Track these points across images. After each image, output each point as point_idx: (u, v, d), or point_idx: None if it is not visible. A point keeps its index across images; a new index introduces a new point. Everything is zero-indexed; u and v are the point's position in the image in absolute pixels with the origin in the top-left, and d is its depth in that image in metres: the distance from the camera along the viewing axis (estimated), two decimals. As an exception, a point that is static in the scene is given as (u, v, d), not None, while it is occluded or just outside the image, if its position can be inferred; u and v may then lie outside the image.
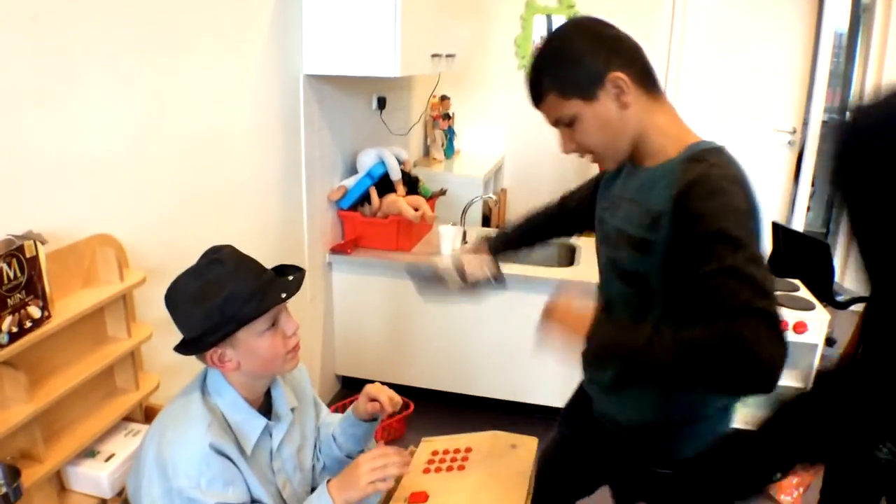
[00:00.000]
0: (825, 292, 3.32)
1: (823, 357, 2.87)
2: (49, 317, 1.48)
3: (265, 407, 1.50)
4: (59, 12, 1.55)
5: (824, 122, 4.53)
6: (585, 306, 1.25)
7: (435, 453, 1.64)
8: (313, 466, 1.65)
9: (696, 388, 1.30)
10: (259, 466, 1.44)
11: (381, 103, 3.39)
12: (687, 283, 1.12)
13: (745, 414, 2.96)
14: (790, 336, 2.80)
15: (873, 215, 0.93)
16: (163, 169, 1.94)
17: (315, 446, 1.67)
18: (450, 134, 4.38)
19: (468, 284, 1.66)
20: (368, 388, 1.63)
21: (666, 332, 1.09)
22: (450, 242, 3.13)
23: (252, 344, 1.34)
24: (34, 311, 1.44)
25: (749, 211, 1.11)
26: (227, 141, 2.24)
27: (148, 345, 1.79)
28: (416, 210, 3.06)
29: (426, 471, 1.57)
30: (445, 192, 3.55)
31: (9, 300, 1.37)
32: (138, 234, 1.84)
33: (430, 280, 1.68)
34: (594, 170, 1.83)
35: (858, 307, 3.59)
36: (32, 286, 1.43)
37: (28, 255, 1.41)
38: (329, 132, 2.93)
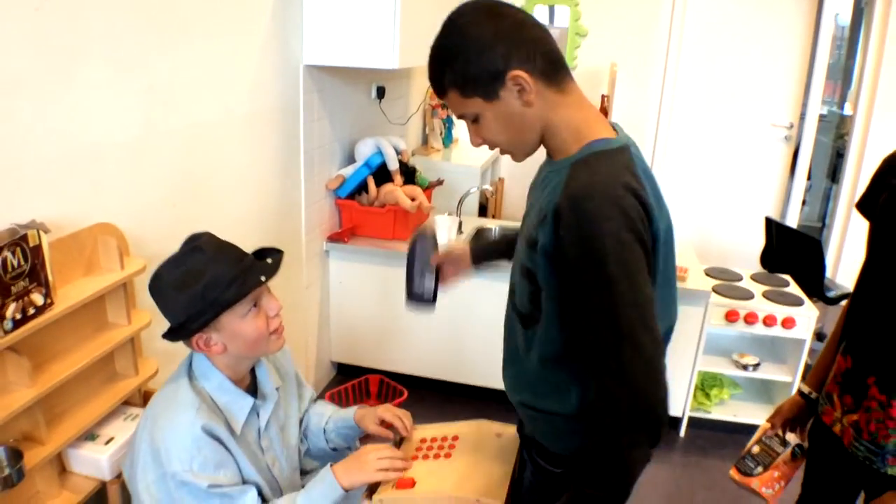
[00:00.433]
0: (816, 288, 3.36)
1: (812, 352, 2.92)
2: (51, 304, 1.52)
3: (251, 387, 1.55)
4: (61, 2, 1.58)
5: (822, 117, 4.55)
6: None
7: (423, 441, 1.68)
8: (298, 446, 1.70)
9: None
10: (248, 446, 1.49)
11: (381, 93, 3.42)
12: (564, 298, 1.13)
13: (737, 406, 3.03)
14: (777, 332, 2.85)
15: None
16: (163, 158, 1.97)
17: (300, 426, 1.72)
18: (448, 123, 4.40)
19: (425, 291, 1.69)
20: (382, 413, 1.67)
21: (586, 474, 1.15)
22: (445, 232, 3.17)
23: (235, 327, 1.38)
24: (37, 299, 1.48)
25: (621, 234, 1.03)
26: (226, 130, 2.27)
27: (147, 331, 1.83)
28: (413, 200, 3.09)
29: (414, 458, 1.62)
30: (442, 182, 3.58)
31: (12, 288, 1.41)
32: (139, 223, 1.88)
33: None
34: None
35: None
36: (35, 274, 1.47)
37: (31, 244, 1.45)
38: (328, 121, 2.96)
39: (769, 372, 2.96)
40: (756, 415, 2.98)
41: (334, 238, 3.13)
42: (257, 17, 2.36)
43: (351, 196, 3.17)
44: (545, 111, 1.16)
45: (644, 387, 1.06)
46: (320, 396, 3.06)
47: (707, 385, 3.09)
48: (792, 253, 3.49)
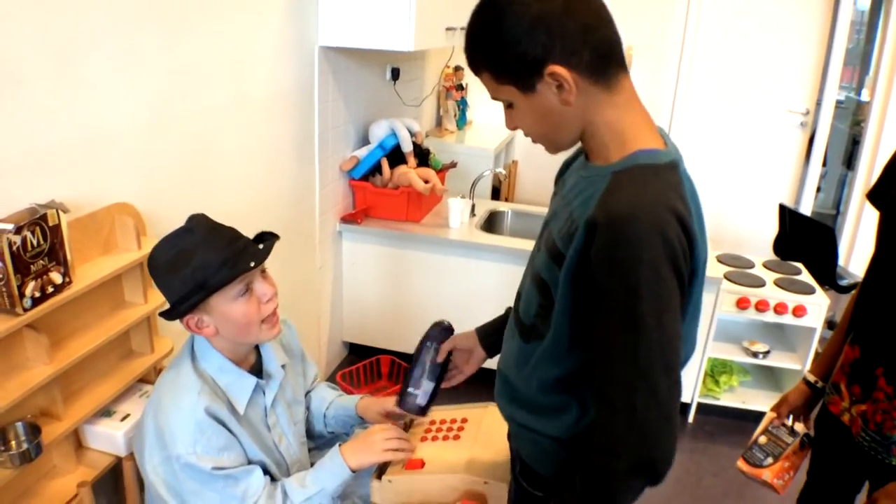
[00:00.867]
0: (828, 276, 3.35)
1: (823, 340, 2.92)
2: (70, 282, 1.55)
3: (257, 366, 1.57)
4: (81, -14, 1.59)
5: (839, 103, 4.50)
6: None
7: (432, 422, 1.71)
8: (305, 421, 1.73)
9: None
10: (253, 425, 1.51)
11: (395, 74, 3.41)
12: (582, 320, 1.06)
13: (745, 393, 3.04)
14: (788, 319, 2.84)
15: None
16: (179, 140, 1.99)
17: (304, 404, 1.75)
18: (462, 105, 4.40)
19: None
20: (390, 407, 1.67)
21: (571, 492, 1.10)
22: (458, 215, 3.18)
23: (225, 310, 1.38)
24: (56, 277, 1.50)
25: (659, 266, 0.95)
26: (242, 111, 2.28)
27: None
28: (427, 182, 3.10)
29: (423, 439, 1.64)
30: (456, 164, 3.58)
31: (32, 266, 1.43)
32: (155, 204, 1.89)
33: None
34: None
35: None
36: (54, 253, 1.49)
37: (51, 224, 1.47)
38: (343, 103, 2.96)
39: (779, 360, 2.96)
40: (765, 402, 2.98)
41: (347, 219, 3.15)
42: (273, -3, 2.37)
43: (365, 178, 3.18)
44: (587, 110, 1.04)
45: (655, 433, 0.99)
46: (332, 377, 3.11)
47: (717, 371, 3.10)
48: (805, 240, 3.47)
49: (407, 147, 3.16)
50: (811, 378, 1.68)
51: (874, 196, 1.49)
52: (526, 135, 1.13)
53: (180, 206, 2.01)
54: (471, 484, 1.49)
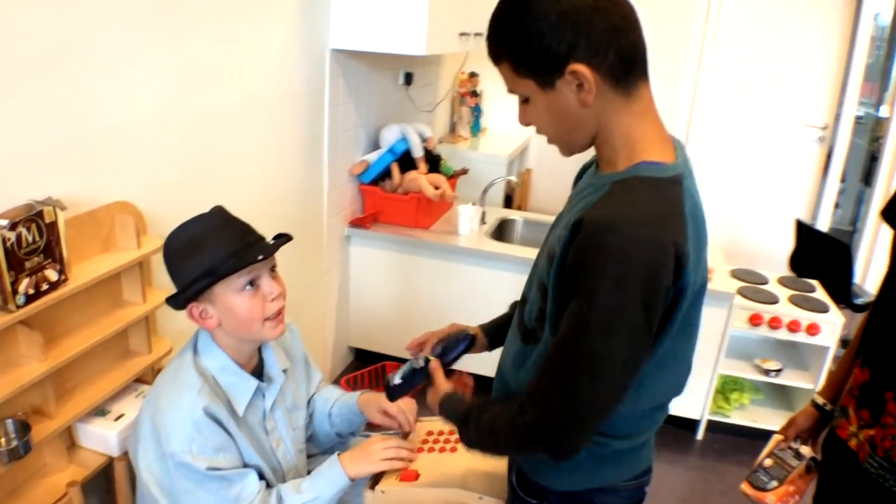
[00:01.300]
0: (844, 294, 3.28)
1: (836, 360, 2.86)
2: (66, 280, 1.53)
3: (258, 369, 1.55)
4: (86, -18, 1.58)
5: (858, 119, 4.43)
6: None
7: (430, 433, 1.67)
8: (305, 428, 1.70)
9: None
10: (251, 428, 1.49)
11: (409, 79, 3.39)
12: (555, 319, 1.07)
13: (756, 412, 2.98)
14: (801, 338, 2.79)
15: None
16: (183, 139, 1.97)
17: (307, 409, 1.72)
18: (476, 111, 4.37)
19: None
20: (386, 404, 1.65)
21: (483, 412, 1.16)
22: (468, 222, 3.15)
23: (230, 302, 1.38)
24: (51, 275, 1.49)
25: (625, 283, 0.92)
26: (249, 112, 2.26)
27: (162, 310, 1.82)
28: (437, 188, 3.07)
29: (419, 450, 1.61)
30: (467, 171, 3.55)
31: (27, 263, 1.42)
32: (158, 203, 1.88)
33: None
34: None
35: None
36: (50, 250, 1.48)
37: (47, 221, 1.46)
38: (354, 106, 2.94)
39: (791, 378, 2.90)
40: (775, 421, 2.92)
41: (356, 223, 3.13)
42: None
43: (375, 182, 3.16)
44: (603, 114, 1.02)
45: (555, 426, 1.02)
46: (336, 381, 3.08)
47: (727, 389, 3.04)
48: (821, 257, 3.41)
49: (417, 152, 3.13)
50: (820, 400, 1.63)
51: (888, 214, 1.44)
52: (539, 132, 1.11)
53: (183, 205, 1.98)
54: (465, 498, 1.45)
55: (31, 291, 1.44)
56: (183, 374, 1.42)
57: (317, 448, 1.78)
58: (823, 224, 4.54)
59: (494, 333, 1.54)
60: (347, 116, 2.92)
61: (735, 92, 4.23)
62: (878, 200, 4.38)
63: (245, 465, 1.46)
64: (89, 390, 1.68)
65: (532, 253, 2.88)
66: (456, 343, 1.48)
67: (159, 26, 1.81)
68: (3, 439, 1.47)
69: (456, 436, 1.65)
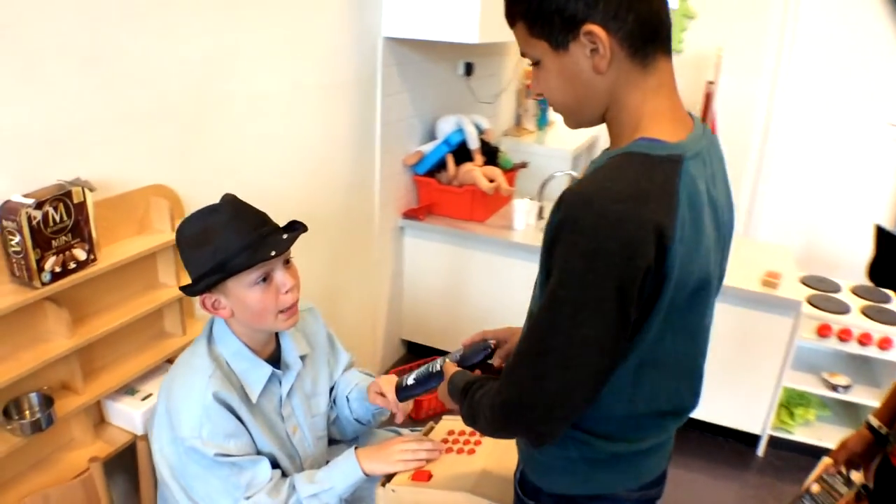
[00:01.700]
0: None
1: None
2: (94, 260, 1.56)
3: (275, 355, 1.53)
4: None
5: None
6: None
7: (451, 433, 1.63)
8: (328, 414, 1.68)
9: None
10: (265, 414, 1.49)
11: (469, 69, 3.33)
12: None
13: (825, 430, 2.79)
14: (873, 352, 2.58)
15: None
16: (224, 123, 1.98)
17: (330, 394, 1.70)
18: (543, 104, 4.26)
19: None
20: (381, 380, 1.64)
21: (479, 388, 1.10)
22: (523, 217, 3.07)
23: (242, 295, 1.36)
24: (79, 254, 1.51)
25: (596, 260, 0.86)
26: (294, 100, 2.26)
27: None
28: (491, 181, 3.01)
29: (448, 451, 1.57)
30: (527, 165, 3.46)
31: (53, 242, 1.45)
32: (196, 187, 1.89)
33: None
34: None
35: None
36: (79, 230, 1.50)
37: (76, 201, 1.48)
38: (408, 96, 2.91)
39: (861, 396, 2.69)
40: (843, 440, 2.73)
41: (409, 215, 3.10)
42: (336, -14, 2.34)
43: (430, 174, 3.13)
44: (617, 85, 0.96)
45: (528, 413, 0.97)
46: (386, 373, 3.07)
47: (792, 403, 2.85)
48: (903, 266, 3.16)
49: (473, 144, 3.07)
50: (875, 422, 1.50)
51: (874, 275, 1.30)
52: (549, 101, 1.05)
53: (221, 190, 2.00)
54: (474, 503, 1.40)
55: (58, 269, 1.47)
56: (196, 359, 1.42)
57: (341, 435, 1.75)
58: (911, 231, 4.21)
59: None
60: (402, 106, 2.89)
61: (814, 89, 3.95)
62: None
63: (258, 453, 1.46)
64: (119, 369, 1.72)
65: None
66: (475, 352, 1.42)
67: (201, 9, 1.81)
68: (27, 411, 1.52)
69: (476, 436, 1.60)
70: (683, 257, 0.90)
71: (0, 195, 1.41)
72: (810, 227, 4.06)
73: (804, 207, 4.07)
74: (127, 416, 1.69)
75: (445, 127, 3.08)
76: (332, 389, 1.72)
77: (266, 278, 1.37)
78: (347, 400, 1.69)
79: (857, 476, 1.52)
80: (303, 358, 1.59)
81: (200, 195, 1.91)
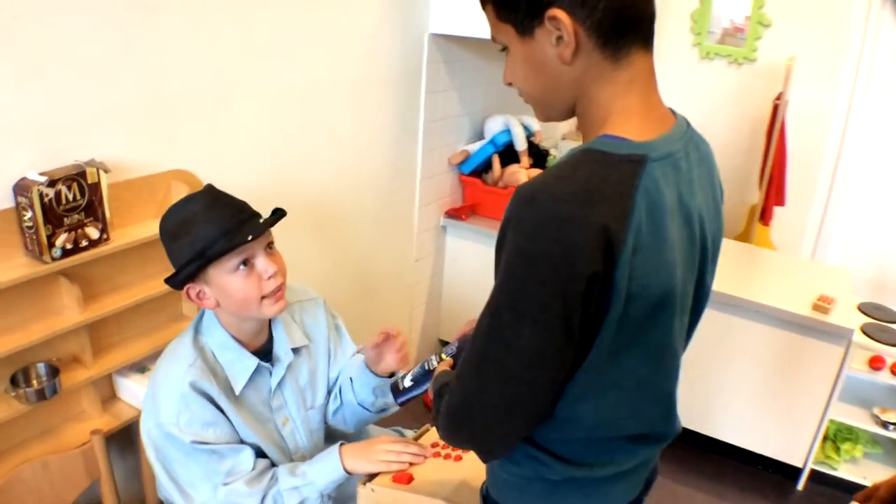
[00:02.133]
0: None
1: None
2: (107, 239, 1.61)
3: (266, 346, 1.54)
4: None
5: None
6: None
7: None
8: (326, 407, 1.68)
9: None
10: (250, 406, 1.49)
11: (525, 70, 3.27)
12: None
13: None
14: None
15: None
16: (253, 114, 2.01)
17: (330, 384, 1.69)
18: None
19: None
20: (377, 337, 1.60)
21: (445, 395, 1.04)
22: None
23: (224, 283, 1.36)
24: (92, 233, 1.57)
25: (539, 264, 0.80)
26: (333, 92, 2.28)
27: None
28: (537, 185, 2.95)
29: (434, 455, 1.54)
30: (579, 169, 3.38)
31: (66, 219, 1.50)
32: (219, 175, 1.91)
33: None
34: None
35: None
36: (92, 209, 1.56)
37: (90, 181, 1.53)
38: (456, 94, 2.89)
39: (914, 435, 2.51)
40: (894, 482, 2.54)
41: (452, 214, 3.08)
42: (381, -19, 2.34)
43: (477, 174, 3.10)
44: (585, 77, 0.89)
45: (469, 425, 0.95)
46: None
47: (839, 437, 2.67)
48: None
49: (520, 145, 3.02)
50: None
51: None
52: (520, 92, 1.00)
53: (250, 180, 2.04)
54: (452, 510, 1.37)
55: (69, 246, 1.53)
56: (180, 348, 1.44)
57: (343, 425, 1.74)
58: None
59: None
60: (448, 104, 2.87)
61: (891, 99, 3.68)
62: None
63: (242, 443, 1.46)
64: (131, 347, 1.77)
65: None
66: (468, 344, 1.39)
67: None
68: (34, 380, 1.58)
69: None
70: (639, 268, 0.83)
71: (18, 172, 1.47)
72: (883, 253, 3.80)
73: (877, 231, 3.81)
74: (134, 392, 1.75)
75: (493, 127, 3.04)
76: (336, 379, 1.72)
77: (247, 265, 1.37)
78: (351, 381, 1.67)
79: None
80: (297, 350, 1.58)
81: (224, 183, 1.94)
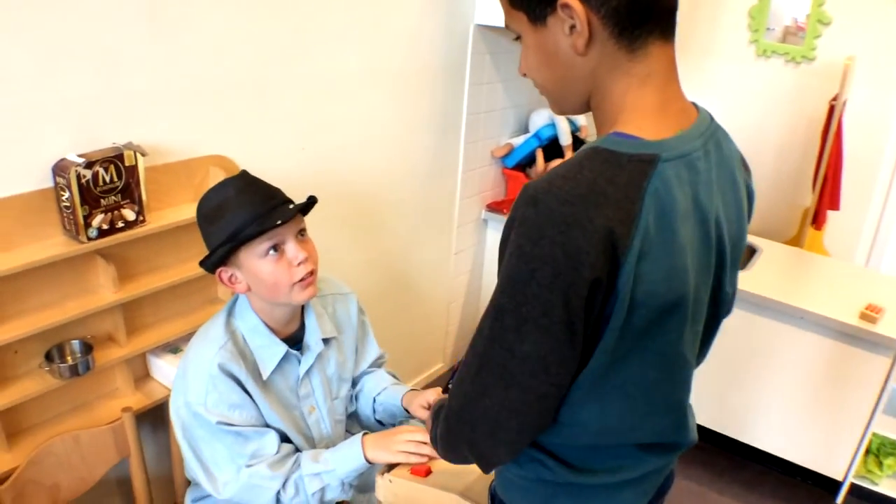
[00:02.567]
0: None
1: None
2: (143, 221, 1.64)
3: (298, 334, 1.55)
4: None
5: None
6: None
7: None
8: (347, 398, 1.69)
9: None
10: (278, 392, 1.51)
11: (573, 64, 3.22)
12: None
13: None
14: None
15: None
16: (295, 101, 2.02)
17: (354, 385, 1.70)
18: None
19: None
20: (430, 396, 1.59)
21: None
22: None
23: (254, 267, 1.38)
24: (128, 214, 1.60)
25: (540, 267, 0.77)
26: (374, 81, 2.27)
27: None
28: (580, 181, 2.90)
29: None
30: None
31: (103, 200, 1.53)
32: (257, 161, 1.93)
33: None
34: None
35: None
36: (129, 192, 1.59)
37: (127, 164, 1.56)
38: (501, 86, 2.86)
39: (966, 455, 2.39)
40: (942, 503, 2.44)
41: (493, 207, 3.06)
42: (427, -29, 2.33)
43: (521, 167, 3.07)
44: (599, 69, 0.86)
45: (470, 432, 0.93)
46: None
47: (883, 452, 2.57)
48: None
49: (565, 140, 2.98)
50: None
51: None
52: (535, 84, 0.96)
53: (289, 167, 2.06)
54: (467, 506, 1.36)
55: (105, 227, 1.56)
56: (213, 330, 1.47)
57: (359, 427, 1.76)
58: None
59: None
60: (493, 96, 2.84)
61: None
62: None
63: (267, 427, 1.48)
64: (165, 328, 1.80)
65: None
66: None
67: (275, -11, 1.86)
68: (69, 357, 1.62)
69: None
70: (645, 274, 0.79)
71: (58, 153, 1.51)
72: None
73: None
74: (166, 372, 1.78)
75: (538, 120, 3.01)
76: (356, 382, 1.73)
77: (277, 250, 1.38)
78: (374, 401, 1.69)
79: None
80: (327, 341, 1.60)
81: (261, 170, 1.96)
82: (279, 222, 1.35)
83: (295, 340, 1.55)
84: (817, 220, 3.23)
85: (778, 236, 3.38)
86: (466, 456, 0.97)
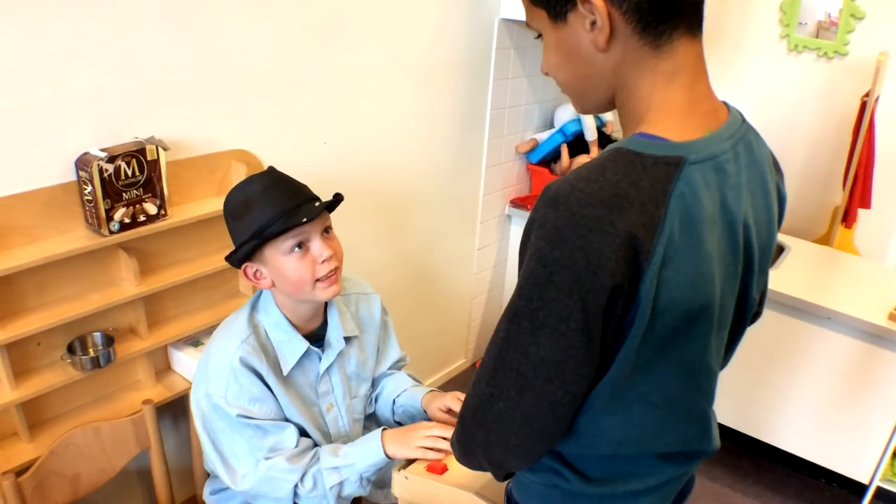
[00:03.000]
0: None
1: None
2: (165, 215, 1.65)
3: (320, 331, 1.55)
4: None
5: None
6: None
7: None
8: (367, 397, 1.69)
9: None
10: (298, 388, 1.51)
11: (600, 58, 3.19)
12: None
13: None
14: None
15: None
16: (316, 95, 2.02)
17: (374, 386, 1.70)
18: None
19: None
20: (451, 402, 1.58)
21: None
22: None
23: (279, 264, 1.38)
24: (150, 208, 1.61)
25: (559, 272, 0.75)
26: (396, 76, 2.26)
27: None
28: (605, 177, 2.87)
29: None
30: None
31: (125, 194, 1.54)
32: (279, 156, 1.94)
33: None
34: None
35: None
36: (151, 186, 1.59)
37: (149, 158, 1.57)
38: (525, 81, 2.83)
39: None
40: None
41: (517, 203, 3.03)
42: (452, -36, 2.31)
43: (545, 163, 3.04)
44: (623, 66, 0.83)
45: (482, 437, 0.90)
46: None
47: (913, 456, 2.52)
48: None
49: (590, 136, 2.94)
50: None
51: None
52: (557, 82, 0.94)
53: (312, 160, 2.06)
54: (477, 504, 1.35)
55: (127, 220, 1.57)
56: (236, 323, 1.47)
57: (377, 426, 1.76)
58: None
59: None
60: (518, 91, 2.82)
61: None
62: None
63: (286, 420, 1.48)
64: (186, 321, 1.82)
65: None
66: None
67: (298, -16, 1.85)
68: (90, 349, 1.64)
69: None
70: (668, 281, 0.77)
71: (81, 147, 1.52)
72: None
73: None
74: (188, 365, 1.79)
75: (563, 116, 2.97)
76: (375, 383, 1.73)
77: (302, 247, 1.38)
78: (393, 403, 1.69)
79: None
80: (349, 339, 1.59)
81: (284, 165, 1.96)
82: (304, 220, 1.34)
83: (317, 337, 1.55)
84: (847, 218, 3.17)
85: (807, 235, 3.31)
86: (480, 460, 0.95)
